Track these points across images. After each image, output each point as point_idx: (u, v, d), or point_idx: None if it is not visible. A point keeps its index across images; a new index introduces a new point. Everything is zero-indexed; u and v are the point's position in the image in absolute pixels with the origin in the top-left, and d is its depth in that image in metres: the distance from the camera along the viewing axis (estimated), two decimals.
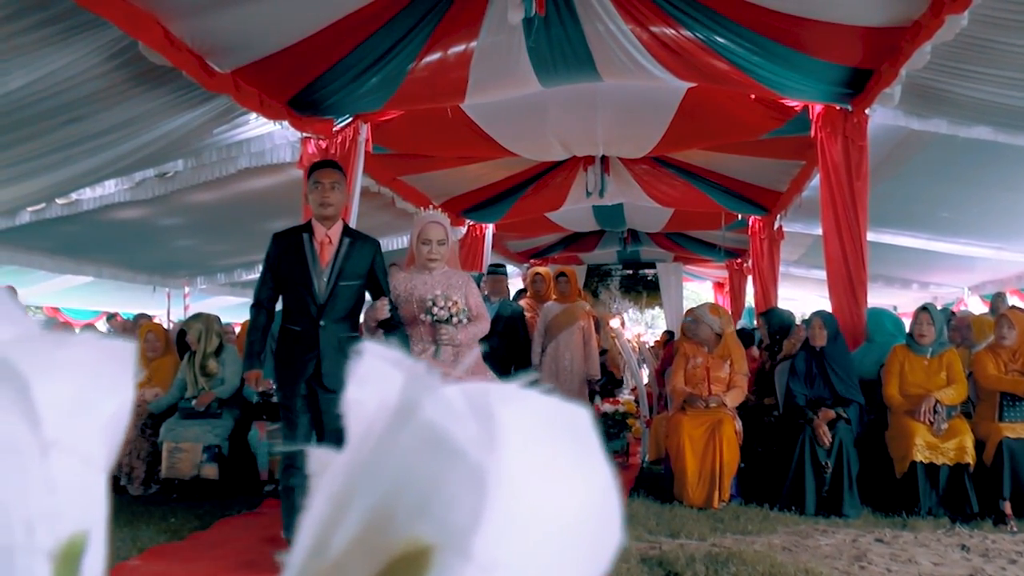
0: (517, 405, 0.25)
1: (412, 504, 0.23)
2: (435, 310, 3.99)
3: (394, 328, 3.95)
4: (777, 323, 6.45)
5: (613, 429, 7.03)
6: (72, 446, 0.25)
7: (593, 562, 0.25)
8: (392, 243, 9.76)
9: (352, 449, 0.25)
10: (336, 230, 3.88)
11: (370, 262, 3.91)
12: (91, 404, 0.26)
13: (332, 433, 3.77)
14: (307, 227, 3.91)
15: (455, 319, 4.00)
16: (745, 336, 6.94)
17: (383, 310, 3.86)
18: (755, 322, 10.60)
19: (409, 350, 3.93)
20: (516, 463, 0.24)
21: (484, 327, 4.21)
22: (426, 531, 0.23)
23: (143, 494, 5.51)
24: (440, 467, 0.23)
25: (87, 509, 0.25)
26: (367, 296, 4.01)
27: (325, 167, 4.00)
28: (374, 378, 0.26)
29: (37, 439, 0.24)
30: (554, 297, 7.21)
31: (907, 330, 5.69)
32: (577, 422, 0.26)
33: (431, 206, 4.43)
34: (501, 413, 0.24)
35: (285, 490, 3.79)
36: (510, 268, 15.16)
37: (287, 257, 3.83)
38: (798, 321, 6.58)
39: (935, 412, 4.84)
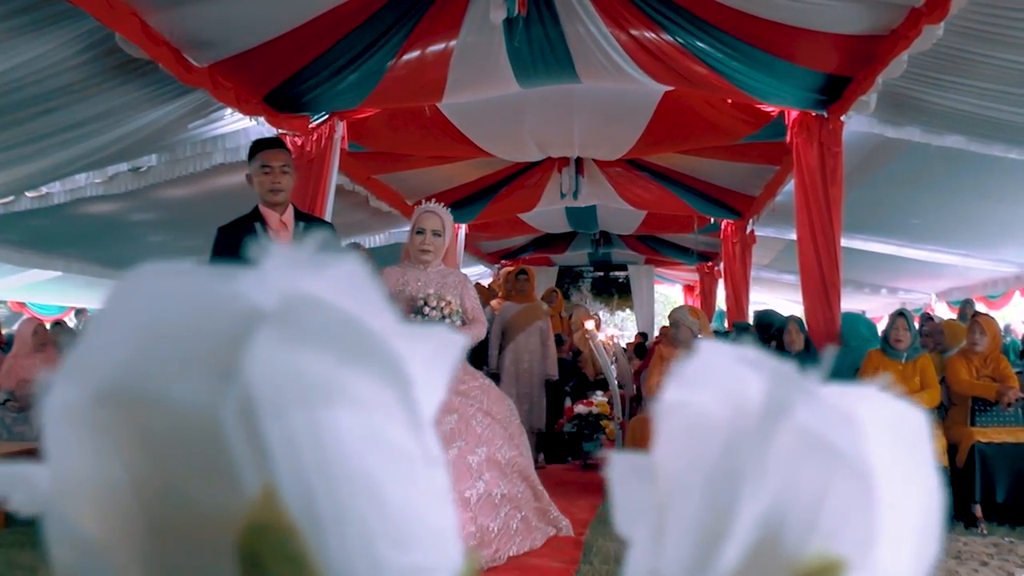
0: (872, 405, 0.24)
1: (801, 515, 0.22)
2: (426, 310, 3.69)
3: None
4: (767, 325, 6.51)
5: (587, 431, 7.03)
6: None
7: (925, 564, 0.24)
8: (366, 242, 9.71)
9: (702, 452, 0.24)
10: (289, 215, 3.55)
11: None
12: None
13: None
14: (255, 215, 3.53)
15: (447, 321, 3.67)
16: (718, 338, 6.97)
17: None
18: (726, 325, 10.69)
19: None
20: (882, 466, 0.23)
21: (480, 332, 3.92)
22: (823, 544, 0.22)
23: None
24: (825, 474, 0.22)
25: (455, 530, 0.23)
26: None
27: (273, 147, 3.62)
28: (711, 378, 0.24)
29: (422, 447, 0.22)
30: (512, 296, 7.15)
31: (878, 334, 5.75)
32: (917, 423, 0.25)
33: (431, 199, 4.14)
34: (861, 414, 0.23)
35: None
36: (483, 268, 15.17)
37: (239, 251, 3.48)
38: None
39: None
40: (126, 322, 0.22)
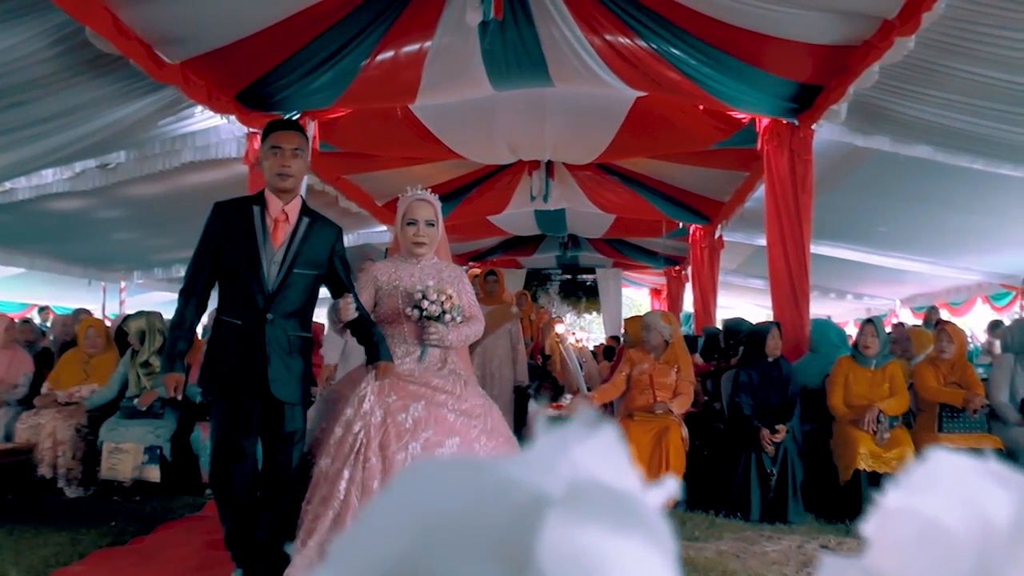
0: None
1: None
2: (425, 304, 3.36)
3: (365, 329, 3.33)
4: (735, 331, 6.54)
5: None
6: None
7: None
8: None
9: (943, 565, 0.23)
10: (294, 206, 3.25)
11: (329, 250, 3.28)
12: None
13: (281, 443, 3.18)
14: (258, 198, 3.24)
15: (448, 316, 3.40)
16: (687, 343, 6.99)
17: (348, 309, 3.23)
18: (694, 329, 10.75)
19: (389, 352, 3.37)
20: None
21: (478, 329, 3.62)
22: None
23: (81, 496, 5.29)
24: None
25: None
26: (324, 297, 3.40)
27: (286, 129, 3.31)
28: (944, 487, 0.23)
29: None
30: (480, 298, 7.06)
31: (848, 341, 5.81)
32: None
33: (425, 188, 3.70)
34: None
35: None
36: None
37: (232, 233, 3.16)
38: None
39: (878, 422, 4.95)
40: (402, 513, 0.22)
